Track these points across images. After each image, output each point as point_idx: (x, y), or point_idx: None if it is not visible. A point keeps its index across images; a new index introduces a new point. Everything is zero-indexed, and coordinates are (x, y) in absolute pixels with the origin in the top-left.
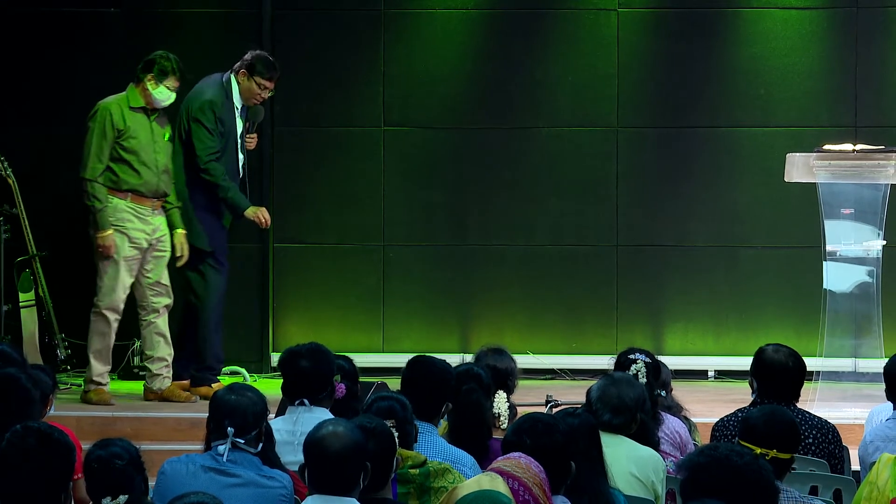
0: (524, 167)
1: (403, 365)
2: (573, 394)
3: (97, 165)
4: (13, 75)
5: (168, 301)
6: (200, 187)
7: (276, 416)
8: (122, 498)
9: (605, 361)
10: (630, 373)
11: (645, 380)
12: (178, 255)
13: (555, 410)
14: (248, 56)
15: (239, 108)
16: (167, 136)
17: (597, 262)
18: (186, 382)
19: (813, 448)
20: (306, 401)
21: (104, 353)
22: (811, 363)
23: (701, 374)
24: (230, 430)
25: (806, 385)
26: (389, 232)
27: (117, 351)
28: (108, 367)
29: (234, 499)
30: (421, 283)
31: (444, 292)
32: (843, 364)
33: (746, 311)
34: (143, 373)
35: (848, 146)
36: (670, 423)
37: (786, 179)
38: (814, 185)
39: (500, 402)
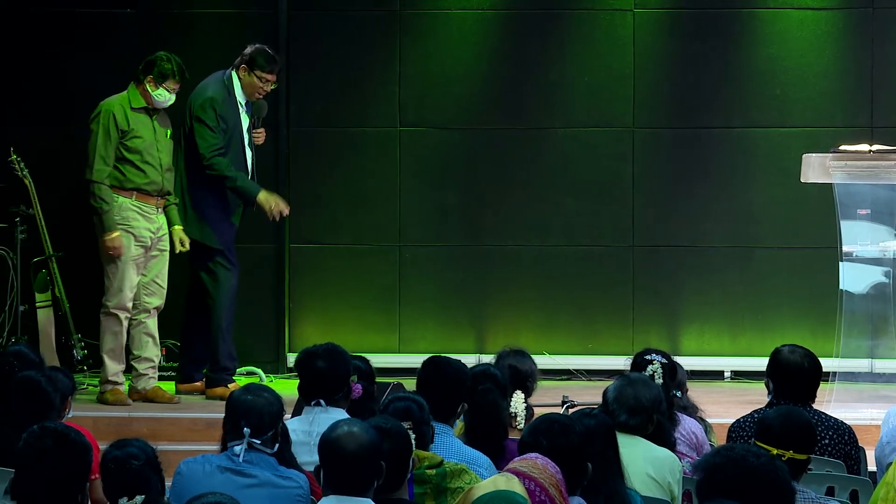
0: (539, 168)
1: (419, 365)
2: (589, 394)
3: (103, 167)
4: (29, 75)
5: (159, 302)
6: (206, 185)
7: (292, 417)
8: (139, 498)
9: (622, 362)
10: (646, 373)
11: (661, 380)
12: (178, 250)
13: (571, 411)
14: (247, 50)
15: (243, 103)
16: (169, 133)
17: (612, 263)
18: (199, 384)
19: (829, 449)
20: (322, 401)
21: (117, 351)
22: (827, 364)
23: (717, 375)
24: (246, 430)
25: (822, 386)
26: (405, 232)
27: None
28: (123, 366)
29: (251, 499)
30: (436, 283)
31: (459, 293)
32: (860, 365)
33: (762, 312)
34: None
35: (864, 146)
36: (687, 424)
37: (802, 180)
38: (830, 185)
39: (518, 402)
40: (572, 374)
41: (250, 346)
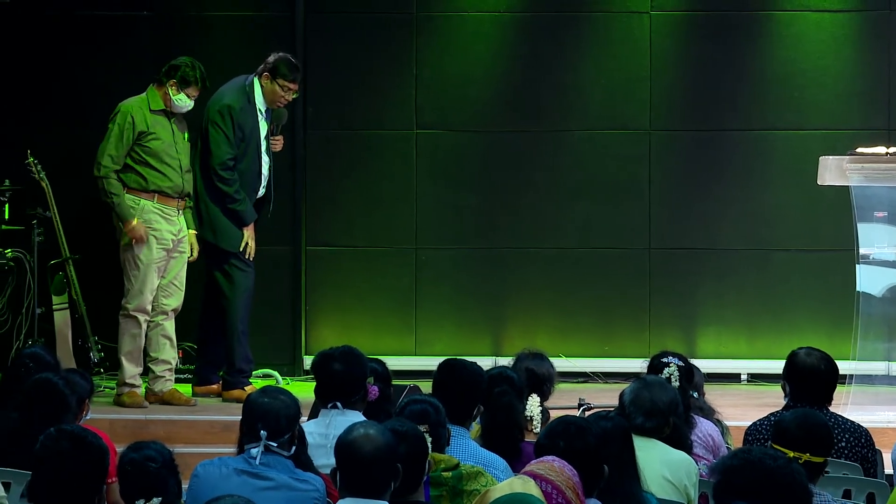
0: (556, 170)
1: (435, 368)
2: (606, 397)
3: (110, 164)
4: (46, 78)
5: (177, 304)
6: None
7: (308, 419)
8: (156, 500)
9: (638, 364)
10: (663, 376)
11: (678, 383)
12: (190, 255)
13: (587, 414)
14: (270, 58)
15: (263, 110)
16: (186, 136)
17: (629, 265)
18: (215, 387)
19: (846, 451)
20: (339, 404)
21: (135, 354)
22: (844, 366)
23: (734, 378)
24: (263, 433)
25: (839, 389)
26: (421, 235)
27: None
28: (140, 369)
29: (267, 502)
30: (453, 285)
31: (475, 295)
32: (877, 367)
33: (779, 315)
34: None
35: (881, 149)
36: (703, 427)
37: (819, 183)
38: (847, 188)
39: (534, 405)
40: (589, 376)
41: (266, 349)
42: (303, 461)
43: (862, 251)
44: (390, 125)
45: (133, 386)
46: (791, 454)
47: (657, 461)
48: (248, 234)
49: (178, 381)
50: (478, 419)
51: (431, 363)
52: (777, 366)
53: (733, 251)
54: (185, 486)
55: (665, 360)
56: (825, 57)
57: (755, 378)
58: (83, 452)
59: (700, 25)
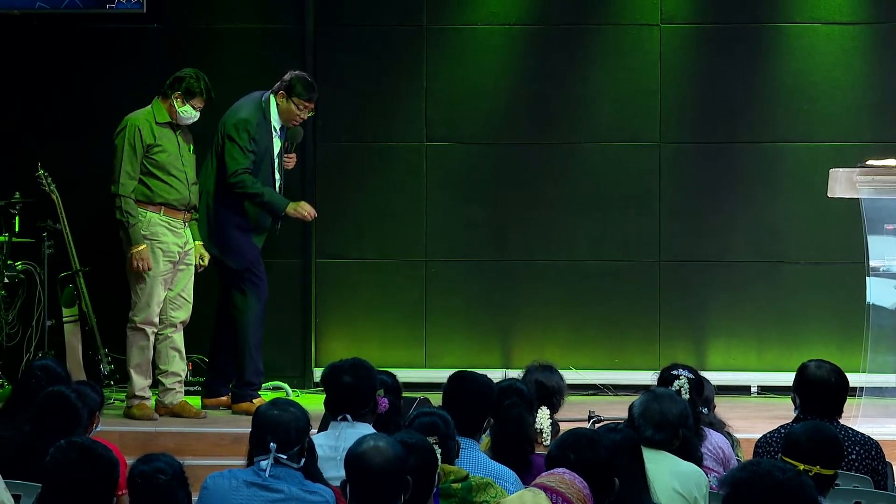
0: (566, 183)
1: (445, 380)
2: (616, 409)
3: (128, 182)
4: (57, 90)
5: (185, 317)
6: (233, 206)
7: (318, 432)
8: None
9: (648, 377)
10: (673, 388)
11: (688, 395)
12: (198, 266)
13: (597, 426)
14: (287, 77)
15: (277, 128)
16: (191, 148)
17: (639, 278)
18: (224, 399)
19: (856, 464)
20: (349, 416)
21: (144, 366)
22: (854, 379)
23: (744, 390)
24: (273, 445)
25: (849, 401)
26: (431, 247)
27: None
28: (149, 381)
29: None
30: (463, 298)
31: (485, 307)
32: (887, 380)
33: (789, 327)
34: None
35: (891, 161)
36: (713, 439)
37: (829, 195)
38: (857, 200)
39: (543, 417)
40: (599, 388)
41: (276, 361)
42: (313, 473)
43: (872, 263)
44: (400, 137)
45: (142, 398)
46: (801, 467)
47: (667, 473)
48: (295, 209)
49: (187, 393)
50: (487, 431)
51: (441, 375)
52: (787, 378)
53: (743, 263)
54: (194, 498)
55: (675, 372)
56: (835, 69)
57: (765, 390)
58: (93, 465)
59: (710, 38)
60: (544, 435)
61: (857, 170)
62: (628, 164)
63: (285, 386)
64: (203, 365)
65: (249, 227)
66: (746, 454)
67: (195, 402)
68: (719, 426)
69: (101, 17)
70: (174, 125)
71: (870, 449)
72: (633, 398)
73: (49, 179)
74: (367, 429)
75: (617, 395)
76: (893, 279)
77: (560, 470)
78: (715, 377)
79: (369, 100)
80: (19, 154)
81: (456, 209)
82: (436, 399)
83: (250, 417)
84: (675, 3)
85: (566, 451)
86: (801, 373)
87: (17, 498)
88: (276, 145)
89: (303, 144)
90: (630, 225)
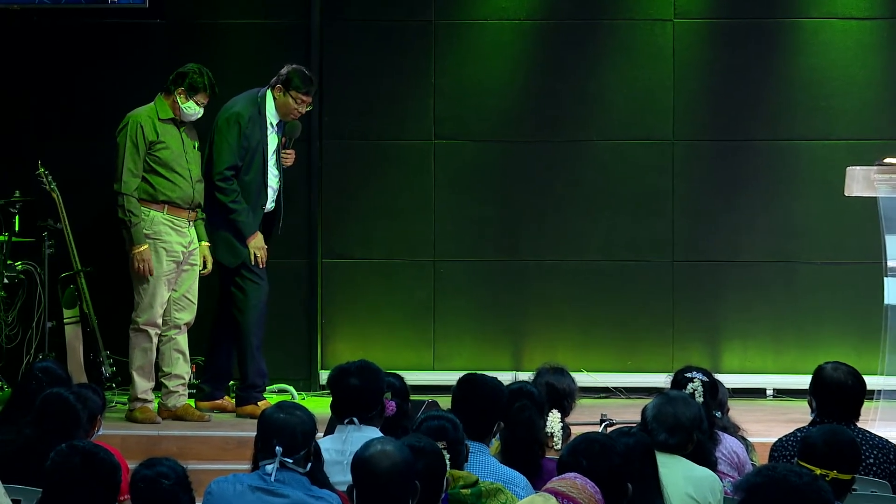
0: (577, 181)
1: (454, 383)
2: (628, 413)
3: (131, 180)
4: (57, 87)
5: (190, 318)
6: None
7: (324, 435)
8: None
9: (661, 379)
10: (687, 391)
11: (702, 398)
12: (203, 268)
13: (609, 430)
14: (283, 70)
15: (274, 123)
16: (196, 146)
17: (652, 278)
18: (220, 402)
19: (874, 469)
20: (355, 419)
21: (147, 368)
22: (872, 382)
23: (759, 393)
24: (278, 449)
25: (866, 404)
26: (440, 247)
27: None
28: (152, 384)
29: None
30: (472, 298)
31: (495, 308)
32: None
33: (805, 329)
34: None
35: None
36: (728, 443)
37: (846, 193)
38: (874, 199)
39: (554, 421)
40: (611, 391)
41: (282, 363)
42: (319, 478)
43: (890, 264)
44: (408, 135)
45: (145, 401)
46: (818, 471)
47: (681, 478)
48: (254, 245)
49: (191, 396)
50: (497, 435)
51: (450, 378)
52: (803, 381)
53: (758, 264)
54: (198, 503)
55: (689, 374)
56: (852, 65)
57: (781, 393)
58: (95, 469)
59: (724, 33)
60: (555, 438)
61: (875, 168)
62: (641, 162)
63: (291, 388)
64: None
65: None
66: (762, 458)
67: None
68: (734, 430)
69: (102, 13)
70: (178, 122)
71: (888, 453)
72: (646, 401)
73: (49, 178)
74: (374, 432)
75: (629, 398)
76: None
77: (572, 475)
78: (729, 380)
79: (376, 96)
80: (19, 152)
81: (465, 208)
82: (444, 402)
83: (255, 421)
84: None
85: (578, 457)
86: (818, 375)
87: (16, 503)
88: (273, 141)
89: (308, 142)
90: (643, 224)
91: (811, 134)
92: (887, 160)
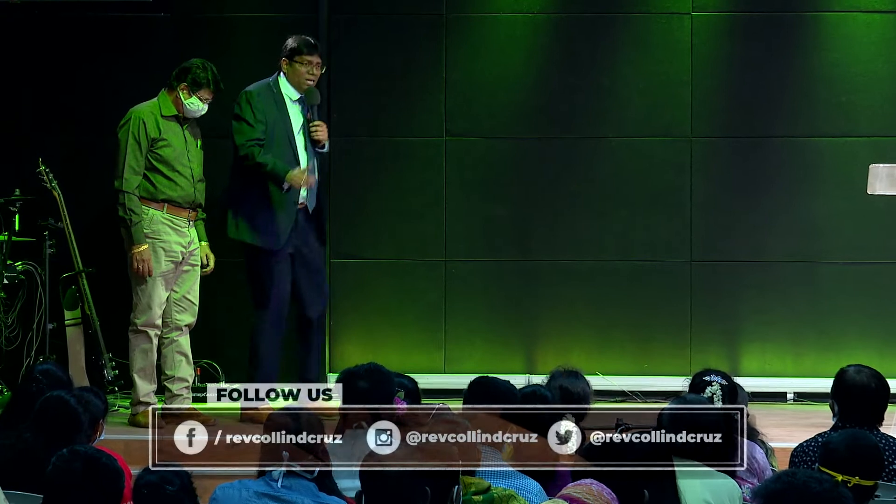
0: (592, 179)
1: (466, 386)
2: (645, 417)
3: (133, 177)
4: (59, 82)
5: (191, 320)
6: (257, 187)
7: (333, 440)
8: None
9: (679, 383)
10: (705, 395)
11: (721, 403)
12: (205, 267)
13: (625, 434)
14: (285, 44)
15: (294, 99)
16: (199, 144)
17: (669, 279)
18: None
19: None
20: (364, 423)
21: (148, 370)
22: (895, 385)
23: (779, 397)
24: (285, 454)
25: (890, 408)
26: (451, 246)
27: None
28: (154, 386)
29: None
30: (484, 299)
31: (508, 310)
32: None
33: (827, 330)
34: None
35: None
36: (747, 448)
37: (868, 192)
38: None
39: (567, 426)
40: (627, 395)
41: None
42: (326, 484)
43: None
44: (419, 132)
45: (148, 404)
46: (839, 477)
47: (699, 484)
48: (297, 174)
49: (195, 399)
50: None
51: (462, 381)
52: (825, 384)
53: (779, 264)
54: None
55: (707, 378)
56: (875, 60)
57: (802, 397)
58: (97, 475)
59: (743, 27)
60: (569, 444)
61: None
62: (658, 159)
63: None
64: (211, 370)
65: (272, 208)
66: (782, 464)
67: (202, 408)
68: (753, 435)
69: (105, 6)
70: (181, 119)
71: None
72: (663, 405)
73: (50, 175)
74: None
75: (646, 401)
76: None
77: (587, 480)
78: (749, 383)
79: (386, 92)
80: (19, 149)
81: (477, 207)
82: (456, 406)
83: (261, 425)
84: None
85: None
86: (840, 378)
87: None
88: (296, 120)
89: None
90: (660, 223)
91: (833, 130)
92: None
